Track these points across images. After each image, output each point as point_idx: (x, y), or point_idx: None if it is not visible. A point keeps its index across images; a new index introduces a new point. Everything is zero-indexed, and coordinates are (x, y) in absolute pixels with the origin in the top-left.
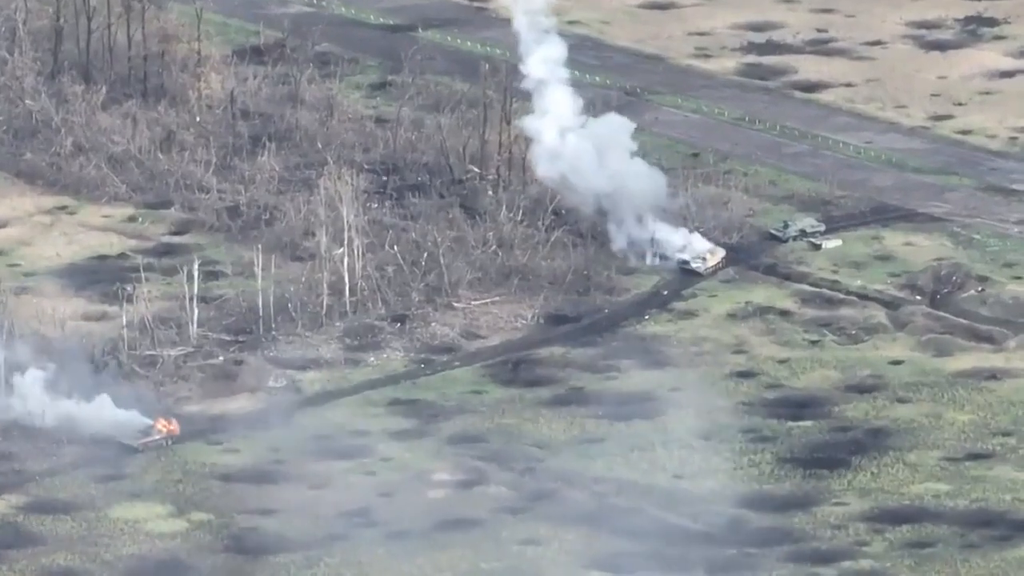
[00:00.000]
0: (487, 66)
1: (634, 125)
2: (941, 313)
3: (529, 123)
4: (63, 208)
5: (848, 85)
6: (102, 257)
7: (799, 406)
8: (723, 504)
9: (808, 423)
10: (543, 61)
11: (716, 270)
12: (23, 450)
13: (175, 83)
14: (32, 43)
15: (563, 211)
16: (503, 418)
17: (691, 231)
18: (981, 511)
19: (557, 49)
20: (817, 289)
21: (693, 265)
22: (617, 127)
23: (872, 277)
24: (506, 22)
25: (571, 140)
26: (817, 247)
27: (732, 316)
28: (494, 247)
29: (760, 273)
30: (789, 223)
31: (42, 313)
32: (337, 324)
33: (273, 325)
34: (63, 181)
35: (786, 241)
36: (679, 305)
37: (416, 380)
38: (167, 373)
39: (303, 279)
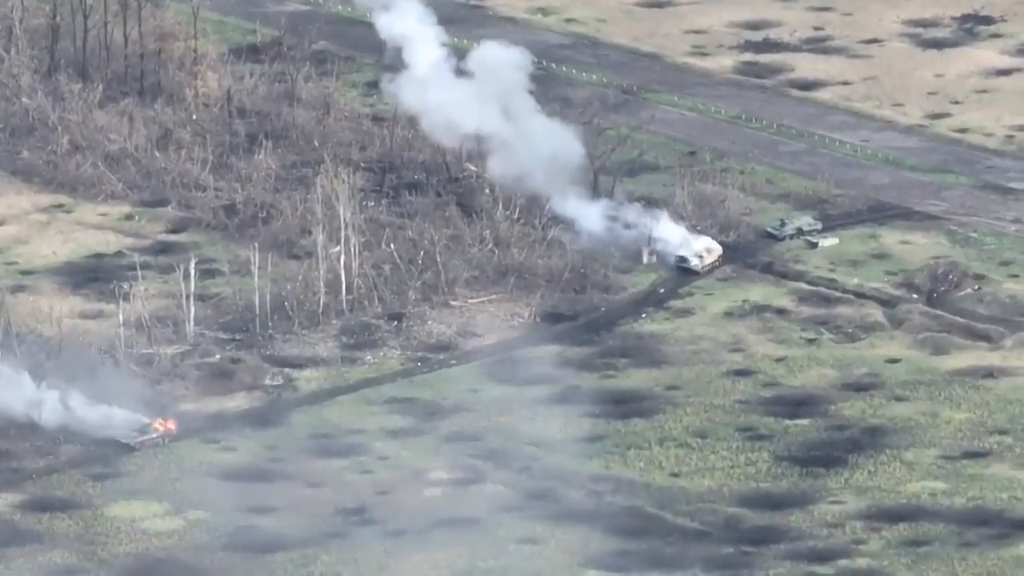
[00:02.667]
0: None
1: (528, 66)
2: (938, 311)
3: (396, 89)
4: (60, 206)
5: (845, 83)
6: (99, 255)
7: (796, 404)
8: (720, 502)
9: (805, 421)
10: (397, 21)
11: (713, 268)
12: (20, 448)
13: (172, 81)
14: (28, 41)
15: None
16: (500, 416)
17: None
18: (978, 509)
19: (412, 7)
20: (814, 287)
21: (691, 263)
22: (507, 74)
23: (869, 275)
24: (504, 21)
25: (446, 98)
26: (814, 245)
27: (729, 314)
28: (491, 245)
29: (757, 271)
30: (786, 221)
31: (39, 311)
32: (334, 322)
33: (270, 323)
34: (59, 179)
35: (783, 239)
36: (676, 303)
37: (413, 378)
38: (164, 371)
39: (300, 277)
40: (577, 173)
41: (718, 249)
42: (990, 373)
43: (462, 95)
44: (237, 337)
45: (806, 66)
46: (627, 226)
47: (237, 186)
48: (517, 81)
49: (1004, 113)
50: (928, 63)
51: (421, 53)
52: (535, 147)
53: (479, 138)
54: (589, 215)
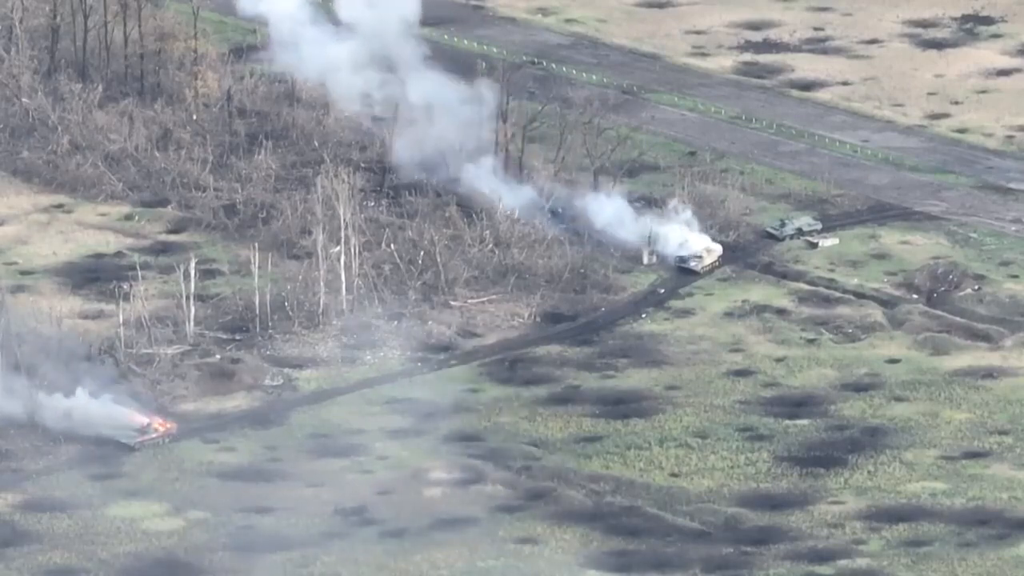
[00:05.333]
0: (484, 64)
1: (414, 9)
2: (938, 311)
3: (267, 58)
4: (60, 206)
5: (845, 83)
6: (99, 255)
7: (796, 404)
8: (720, 503)
9: (805, 421)
10: None
11: (713, 268)
12: (20, 448)
13: (172, 81)
14: (29, 41)
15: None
16: (500, 416)
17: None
18: (978, 510)
19: None
20: (814, 287)
21: (691, 264)
22: (389, 22)
23: (869, 275)
24: (504, 21)
25: (321, 62)
26: (814, 245)
27: (729, 314)
28: (491, 245)
29: (757, 271)
30: (786, 221)
31: (39, 311)
32: (334, 322)
33: (270, 323)
34: (60, 179)
35: (783, 239)
36: (676, 303)
37: (413, 378)
38: (164, 371)
39: (300, 277)
40: (482, 139)
41: (718, 249)
42: (990, 373)
43: (339, 56)
44: (237, 337)
45: (806, 66)
46: (554, 212)
47: (237, 186)
48: (401, 30)
49: (1004, 113)
50: (928, 63)
51: (284, 12)
52: (428, 108)
53: (373, 108)
54: (508, 189)
